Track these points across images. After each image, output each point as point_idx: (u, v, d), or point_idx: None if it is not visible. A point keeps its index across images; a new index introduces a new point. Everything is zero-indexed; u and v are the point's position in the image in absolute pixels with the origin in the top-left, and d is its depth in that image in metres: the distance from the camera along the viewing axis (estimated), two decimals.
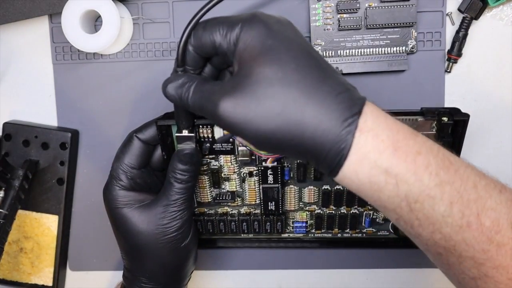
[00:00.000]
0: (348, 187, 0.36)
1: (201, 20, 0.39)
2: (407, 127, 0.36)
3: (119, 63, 0.53)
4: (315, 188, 0.51)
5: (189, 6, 0.52)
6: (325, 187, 0.50)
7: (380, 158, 0.34)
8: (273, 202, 0.51)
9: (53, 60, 0.54)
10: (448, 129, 0.45)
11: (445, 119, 0.44)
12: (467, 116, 0.44)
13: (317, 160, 0.36)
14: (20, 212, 0.53)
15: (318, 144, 0.35)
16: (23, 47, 0.54)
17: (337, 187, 0.50)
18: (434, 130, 0.46)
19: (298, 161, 0.49)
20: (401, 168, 0.34)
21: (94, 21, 0.52)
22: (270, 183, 0.49)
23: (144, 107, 0.53)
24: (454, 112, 0.45)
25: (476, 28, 0.50)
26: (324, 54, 0.51)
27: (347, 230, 0.53)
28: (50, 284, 0.56)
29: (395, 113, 0.45)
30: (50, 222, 0.55)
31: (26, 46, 0.54)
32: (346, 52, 0.51)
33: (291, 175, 0.50)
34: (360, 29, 0.50)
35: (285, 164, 0.49)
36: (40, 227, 0.55)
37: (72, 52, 0.53)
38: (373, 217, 0.52)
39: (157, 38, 0.53)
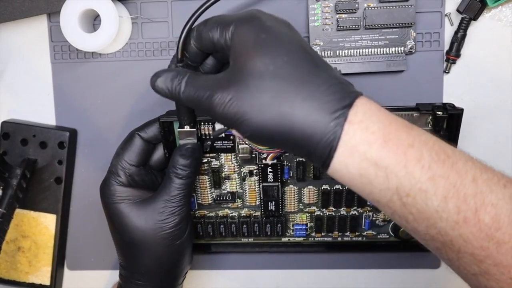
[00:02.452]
0: (341, 180, 0.36)
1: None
2: (401, 120, 0.36)
3: (118, 62, 0.53)
4: (314, 188, 0.51)
5: (188, 5, 0.52)
6: (324, 186, 0.50)
7: (369, 150, 0.34)
8: (273, 202, 0.51)
9: (51, 59, 0.54)
10: (443, 123, 0.46)
11: (439, 113, 0.45)
12: (461, 110, 0.45)
13: (308, 153, 0.36)
14: (18, 211, 0.53)
15: (307, 136, 0.35)
16: (22, 46, 0.54)
17: (337, 186, 0.51)
18: (429, 125, 0.46)
19: (298, 159, 0.49)
20: (390, 161, 0.34)
21: (92, 20, 0.52)
22: (270, 181, 0.50)
23: (142, 107, 0.53)
24: (448, 107, 0.46)
25: (475, 29, 0.50)
26: (323, 54, 0.51)
27: (347, 233, 0.53)
28: (48, 283, 0.56)
29: (390, 109, 0.46)
30: (48, 221, 0.55)
31: (25, 45, 0.54)
32: (344, 53, 0.51)
33: (291, 174, 0.50)
34: (359, 29, 0.50)
35: (285, 163, 0.49)
36: (38, 226, 0.55)
37: (71, 51, 0.53)
38: (373, 218, 0.52)
39: (156, 38, 0.53)
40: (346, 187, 0.49)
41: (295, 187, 0.51)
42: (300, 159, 0.49)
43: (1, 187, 0.50)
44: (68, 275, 0.57)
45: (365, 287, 0.56)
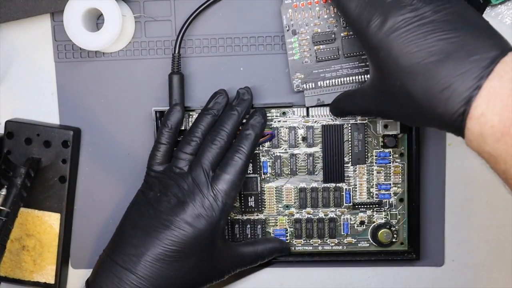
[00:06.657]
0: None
1: None
2: None
3: (121, 61, 0.53)
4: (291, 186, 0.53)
5: (191, 4, 0.52)
6: (301, 185, 0.52)
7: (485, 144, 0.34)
8: (253, 197, 0.51)
9: (55, 58, 0.54)
10: None
11: None
12: None
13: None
14: (22, 210, 0.54)
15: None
16: (25, 45, 0.54)
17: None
18: None
19: (276, 154, 0.51)
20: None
21: (96, 19, 0.52)
22: (249, 173, 0.52)
23: (145, 105, 0.53)
24: None
25: None
26: (305, 87, 0.51)
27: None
28: (53, 282, 0.56)
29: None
30: (52, 220, 0.55)
31: (28, 44, 0.54)
32: (326, 83, 0.50)
33: (269, 169, 0.52)
34: (338, 58, 0.50)
35: (265, 157, 0.52)
36: (42, 225, 0.55)
37: (74, 50, 0.53)
38: (351, 222, 0.53)
39: (159, 36, 0.53)
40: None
41: (274, 184, 0.52)
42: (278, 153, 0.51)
43: (6, 186, 0.50)
44: (73, 273, 0.58)
45: (369, 284, 0.56)
